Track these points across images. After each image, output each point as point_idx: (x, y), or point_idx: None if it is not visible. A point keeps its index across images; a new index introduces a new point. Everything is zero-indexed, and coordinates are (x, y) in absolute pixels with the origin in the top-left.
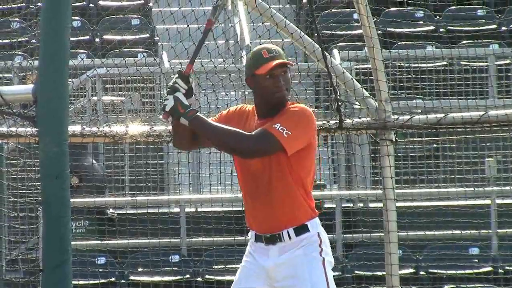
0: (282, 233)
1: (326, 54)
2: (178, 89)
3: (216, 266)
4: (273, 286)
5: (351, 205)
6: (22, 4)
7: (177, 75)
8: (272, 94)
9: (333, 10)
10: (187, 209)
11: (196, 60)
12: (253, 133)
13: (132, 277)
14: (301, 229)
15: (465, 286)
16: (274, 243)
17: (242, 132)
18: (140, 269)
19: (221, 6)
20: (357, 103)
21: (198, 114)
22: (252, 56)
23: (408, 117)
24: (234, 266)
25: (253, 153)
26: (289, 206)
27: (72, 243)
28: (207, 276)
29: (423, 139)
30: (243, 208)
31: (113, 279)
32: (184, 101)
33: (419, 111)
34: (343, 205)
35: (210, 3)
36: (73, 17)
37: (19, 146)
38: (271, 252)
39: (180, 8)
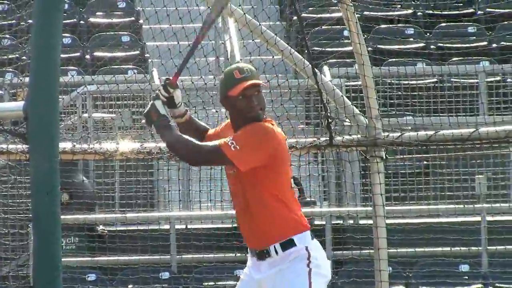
0: (269, 248)
1: (316, 71)
2: (159, 96)
3: (206, 283)
4: None
5: (341, 222)
6: (13, 21)
7: (162, 83)
8: (246, 114)
9: (323, 27)
10: (177, 226)
11: (186, 77)
12: (206, 143)
13: None
14: (288, 244)
15: None
16: (264, 259)
17: (195, 142)
18: (130, 286)
19: (210, 22)
20: (347, 120)
21: (168, 124)
22: (225, 77)
23: (399, 134)
24: (224, 283)
25: (198, 162)
26: (271, 221)
27: (63, 259)
28: None
29: (413, 156)
30: (233, 225)
31: None
32: (161, 110)
33: (410, 128)
34: (333, 222)
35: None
36: (63, 34)
37: (9, 163)
38: (263, 267)
39: (170, 25)
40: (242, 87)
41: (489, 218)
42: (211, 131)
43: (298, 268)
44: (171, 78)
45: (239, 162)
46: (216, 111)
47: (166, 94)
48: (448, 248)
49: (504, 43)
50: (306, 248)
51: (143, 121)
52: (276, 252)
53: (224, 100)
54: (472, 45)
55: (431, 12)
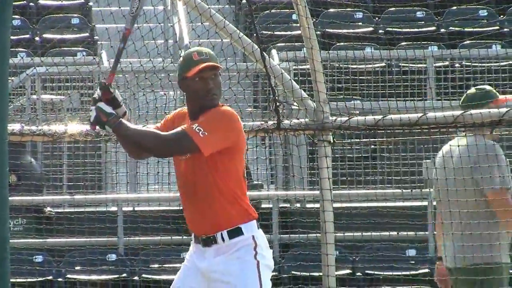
0: (216, 235)
1: (265, 54)
2: (100, 99)
3: (153, 265)
4: (209, 286)
5: (288, 205)
6: None
7: (99, 87)
8: (202, 97)
9: (272, 10)
10: (124, 208)
11: (134, 60)
12: (169, 132)
13: (69, 276)
14: (235, 232)
15: (401, 287)
16: (210, 245)
17: (159, 132)
18: (77, 268)
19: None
20: (295, 104)
21: (121, 120)
22: (183, 58)
23: (346, 118)
24: (171, 265)
25: (168, 153)
26: (220, 209)
27: (10, 241)
28: (144, 275)
29: (361, 140)
30: (180, 208)
31: (50, 277)
32: (107, 110)
33: (357, 112)
34: (280, 205)
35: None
36: (13, 16)
37: None
38: (208, 254)
39: (120, 7)
40: (199, 69)
41: (435, 202)
42: (158, 124)
43: (247, 262)
44: (105, 80)
45: (205, 148)
46: (165, 94)
47: (108, 96)
48: (395, 233)
49: (453, 28)
50: (253, 237)
51: (92, 129)
52: (223, 240)
53: (181, 81)
54: (420, 30)
55: None
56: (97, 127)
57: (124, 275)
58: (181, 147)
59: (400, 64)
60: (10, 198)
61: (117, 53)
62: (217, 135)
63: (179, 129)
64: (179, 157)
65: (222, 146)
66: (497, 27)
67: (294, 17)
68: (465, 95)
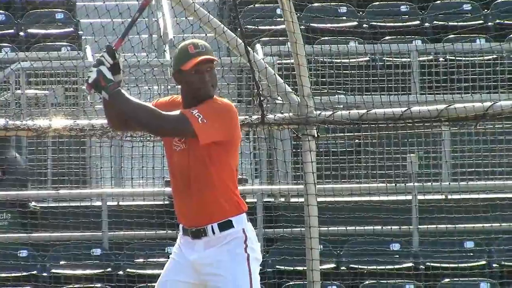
0: (206, 227)
1: (249, 49)
2: (103, 62)
3: (137, 260)
4: (199, 279)
5: (273, 199)
6: None
7: (105, 49)
8: (198, 90)
9: (256, 5)
10: (109, 203)
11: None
12: (170, 113)
13: (54, 270)
14: (226, 225)
15: (385, 281)
16: (200, 238)
17: (160, 111)
18: (62, 262)
19: None
20: (279, 98)
21: (119, 89)
22: (179, 51)
23: (330, 112)
24: (155, 259)
25: (164, 132)
26: (213, 201)
27: None
28: (128, 270)
29: (345, 134)
30: (165, 202)
31: (35, 272)
32: (108, 75)
33: (342, 106)
34: (265, 200)
35: None
36: None
37: None
38: (197, 246)
39: (104, 2)
40: (195, 62)
41: (420, 197)
42: (156, 101)
43: (238, 255)
44: (112, 44)
45: (202, 135)
46: (149, 88)
47: (111, 61)
48: (379, 227)
49: (437, 22)
50: (243, 230)
51: (88, 89)
52: (213, 232)
53: (176, 74)
54: (404, 24)
55: None
56: (92, 90)
57: (109, 269)
58: (177, 129)
59: (384, 58)
60: None
61: (131, 22)
62: (216, 125)
63: (177, 111)
64: (172, 147)
65: (218, 138)
66: (481, 21)
67: (278, 11)
68: None
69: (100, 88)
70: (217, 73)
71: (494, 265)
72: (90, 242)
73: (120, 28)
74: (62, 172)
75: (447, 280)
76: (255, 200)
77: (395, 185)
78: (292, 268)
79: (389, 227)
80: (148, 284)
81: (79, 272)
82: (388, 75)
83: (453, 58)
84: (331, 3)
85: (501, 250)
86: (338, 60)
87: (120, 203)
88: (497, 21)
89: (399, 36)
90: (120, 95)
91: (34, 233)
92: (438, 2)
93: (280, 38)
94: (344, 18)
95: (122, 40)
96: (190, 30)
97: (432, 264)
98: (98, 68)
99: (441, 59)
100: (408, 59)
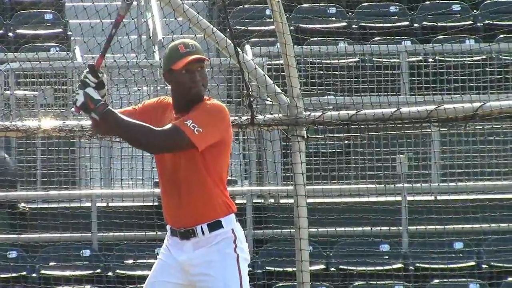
0: (195, 228)
1: (238, 49)
2: (88, 84)
3: (126, 261)
4: (188, 280)
5: (262, 201)
6: None
7: (87, 69)
8: (189, 89)
9: (245, 5)
10: (98, 204)
11: (108, 55)
12: (163, 128)
13: (43, 271)
14: (215, 225)
15: (375, 282)
16: (189, 238)
17: (152, 128)
18: (51, 263)
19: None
20: (269, 99)
21: (109, 108)
22: (169, 50)
23: (320, 113)
24: (144, 261)
25: (161, 149)
26: (204, 202)
27: None
28: (118, 271)
29: (335, 135)
30: (154, 204)
31: (24, 273)
32: (95, 96)
33: (331, 107)
34: (254, 201)
35: None
36: None
37: None
38: (186, 247)
39: (93, 3)
40: (186, 61)
41: (409, 198)
42: (144, 103)
43: (227, 255)
44: (94, 63)
45: (200, 143)
46: (138, 89)
47: (95, 80)
48: (369, 228)
49: (426, 23)
50: (233, 231)
51: (76, 111)
52: (203, 233)
53: (167, 73)
54: (394, 24)
55: None
56: (81, 111)
57: (98, 270)
58: (175, 144)
59: (373, 59)
60: None
61: (108, 38)
62: (210, 130)
63: (170, 125)
64: None
65: (214, 141)
66: (471, 22)
67: (267, 12)
68: None
69: (90, 111)
70: (207, 74)
71: (483, 265)
72: (79, 243)
73: (109, 29)
74: (51, 173)
75: (436, 281)
76: (245, 201)
77: (385, 186)
78: (281, 269)
79: (379, 228)
80: (138, 286)
81: (68, 273)
82: (377, 75)
83: (443, 58)
84: (320, 4)
85: (490, 250)
86: (328, 61)
87: (110, 204)
88: (486, 21)
89: (388, 37)
90: (110, 115)
91: (23, 234)
92: (428, 2)
93: (269, 39)
94: (334, 18)
95: (102, 57)
96: (180, 31)
97: (421, 265)
98: (84, 91)
99: (430, 59)
100: (398, 60)
